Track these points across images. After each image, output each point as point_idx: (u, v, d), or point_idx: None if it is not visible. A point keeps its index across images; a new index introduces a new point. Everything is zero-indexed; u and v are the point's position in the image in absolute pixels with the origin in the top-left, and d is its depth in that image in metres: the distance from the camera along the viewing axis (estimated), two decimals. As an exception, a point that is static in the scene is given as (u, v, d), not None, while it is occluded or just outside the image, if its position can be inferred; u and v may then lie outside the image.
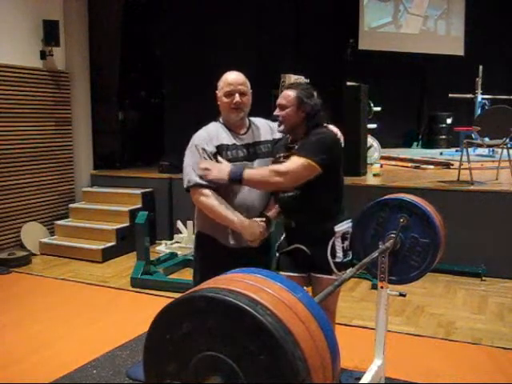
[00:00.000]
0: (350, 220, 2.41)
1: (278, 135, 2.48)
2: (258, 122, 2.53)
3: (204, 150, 2.32)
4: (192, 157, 2.33)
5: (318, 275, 2.35)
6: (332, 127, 2.43)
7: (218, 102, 2.41)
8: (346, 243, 2.36)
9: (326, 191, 2.29)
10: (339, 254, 2.33)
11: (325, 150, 2.22)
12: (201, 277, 2.40)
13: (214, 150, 2.33)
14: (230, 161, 2.31)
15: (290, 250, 2.42)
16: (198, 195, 2.31)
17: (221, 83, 2.40)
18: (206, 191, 2.29)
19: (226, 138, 2.37)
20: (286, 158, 2.30)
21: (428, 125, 10.07)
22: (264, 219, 2.38)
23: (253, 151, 2.41)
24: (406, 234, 2.34)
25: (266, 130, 2.52)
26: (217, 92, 2.41)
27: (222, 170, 2.22)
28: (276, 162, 2.35)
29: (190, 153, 2.35)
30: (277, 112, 2.37)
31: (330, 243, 2.32)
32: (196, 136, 2.39)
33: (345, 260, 2.35)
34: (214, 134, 2.37)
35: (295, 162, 2.18)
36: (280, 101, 2.37)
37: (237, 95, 2.35)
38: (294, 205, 2.33)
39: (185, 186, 2.35)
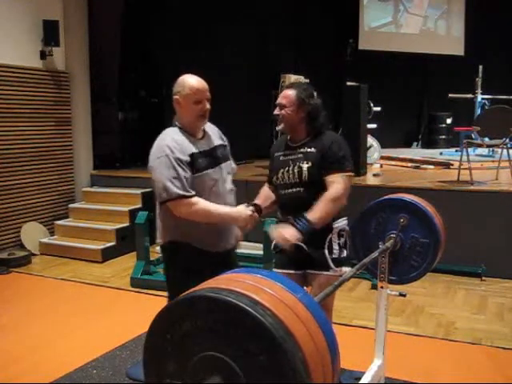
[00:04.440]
0: (346, 217, 2.45)
1: (226, 141, 2.49)
2: (208, 126, 2.46)
3: (179, 159, 2.21)
4: (167, 168, 2.19)
5: (316, 272, 2.37)
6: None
7: (178, 107, 2.31)
8: (342, 240, 2.40)
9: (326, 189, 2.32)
10: (336, 250, 2.37)
11: (349, 155, 2.37)
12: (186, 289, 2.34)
13: (188, 159, 2.24)
14: (203, 169, 2.28)
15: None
16: (185, 206, 2.21)
17: (186, 89, 2.28)
18: (194, 199, 2.21)
19: (191, 146, 2.29)
20: (287, 155, 2.35)
21: (428, 125, 10.07)
22: (252, 206, 2.39)
23: (215, 156, 2.38)
24: (406, 234, 2.34)
25: (216, 134, 2.50)
26: (176, 97, 2.30)
27: (290, 232, 2.19)
28: (288, 165, 2.37)
29: (163, 163, 2.20)
30: (276, 111, 2.39)
31: (328, 239, 2.36)
32: (164, 145, 2.23)
33: (341, 256, 2.39)
34: (181, 141, 2.27)
35: (340, 181, 2.29)
36: (280, 100, 2.38)
37: (206, 103, 2.32)
38: (296, 201, 2.35)
39: (163, 199, 2.22)
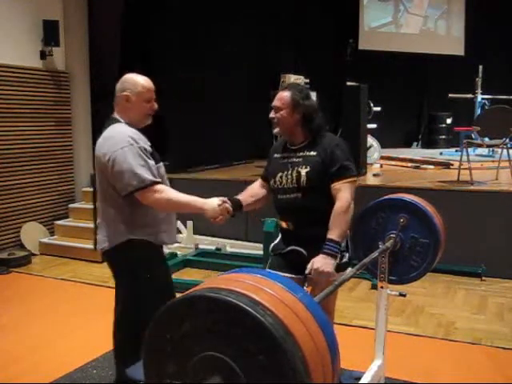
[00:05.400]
0: None
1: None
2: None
3: (144, 149, 2.24)
4: (134, 156, 2.17)
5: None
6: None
7: (127, 104, 2.31)
8: (343, 244, 2.35)
9: (325, 193, 2.28)
10: None
11: (352, 158, 2.34)
12: (153, 286, 2.31)
13: (150, 149, 2.29)
14: (158, 161, 2.33)
15: (286, 252, 2.41)
16: (157, 193, 2.19)
17: (138, 87, 2.31)
18: (160, 186, 2.22)
19: (144, 138, 2.33)
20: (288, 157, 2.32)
21: (428, 125, 10.07)
22: (225, 199, 2.34)
23: (156, 154, 2.39)
24: (406, 233, 2.34)
25: None
26: (126, 94, 2.30)
27: (324, 262, 2.18)
28: (286, 169, 2.34)
29: (129, 153, 2.17)
30: (272, 114, 2.36)
31: None
32: (126, 136, 2.22)
33: (342, 261, 2.34)
34: (139, 133, 2.30)
35: (346, 189, 2.25)
36: (275, 103, 2.35)
37: (154, 102, 2.37)
38: (294, 207, 2.32)
39: (134, 187, 2.17)
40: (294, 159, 2.34)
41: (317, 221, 2.28)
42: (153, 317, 1.13)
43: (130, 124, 2.32)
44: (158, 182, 2.21)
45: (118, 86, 2.36)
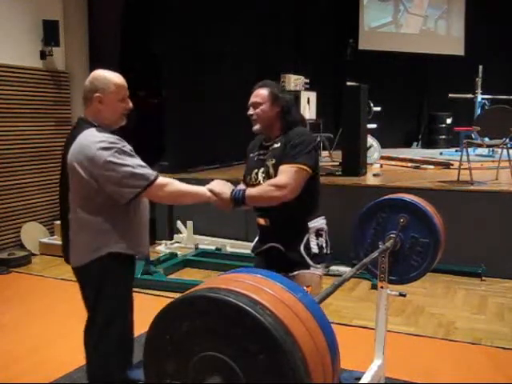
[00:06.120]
0: (323, 216, 2.39)
1: None
2: None
3: (131, 149, 2.12)
4: (129, 157, 2.06)
5: (296, 272, 2.29)
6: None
7: (99, 105, 2.13)
8: (321, 239, 2.34)
9: (303, 188, 2.23)
10: (314, 249, 2.30)
11: (311, 150, 2.24)
12: (125, 303, 2.34)
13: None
14: None
15: (265, 250, 2.39)
16: (166, 186, 2.10)
17: (111, 86, 2.14)
18: (167, 179, 2.12)
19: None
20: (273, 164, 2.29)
21: (428, 125, 10.08)
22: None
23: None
24: (406, 233, 2.34)
25: None
26: (98, 94, 2.12)
27: (224, 188, 2.17)
28: (262, 166, 2.32)
29: (123, 155, 2.05)
30: (251, 111, 2.34)
31: (305, 240, 2.29)
32: (111, 139, 2.07)
33: (322, 253, 2.33)
34: (115, 137, 2.13)
35: (289, 172, 2.17)
36: (252, 99, 2.34)
37: (129, 100, 2.24)
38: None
39: (141, 187, 2.04)
40: (266, 156, 2.34)
41: (293, 215, 2.27)
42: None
43: (102, 127, 2.13)
44: (158, 176, 2.10)
45: (87, 84, 2.15)
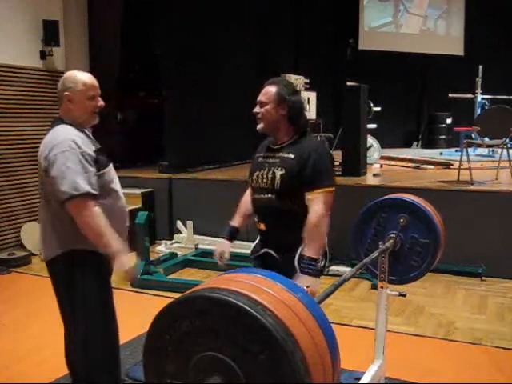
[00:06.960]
0: None
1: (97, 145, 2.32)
2: None
3: (88, 154, 2.10)
4: (74, 162, 2.04)
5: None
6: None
7: (69, 104, 2.17)
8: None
9: (300, 198, 2.20)
10: None
11: (330, 168, 2.27)
12: (102, 301, 2.29)
13: (94, 155, 2.14)
14: (105, 166, 2.20)
15: (261, 255, 2.37)
16: (85, 209, 2.02)
17: (79, 85, 2.16)
18: (96, 208, 2.04)
19: (90, 142, 2.20)
20: (266, 158, 2.29)
21: (428, 125, 10.08)
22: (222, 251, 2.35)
23: (106, 155, 2.28)
24: (406, 233, 2.34)
25: None
26: (67, 93, 2.16)
27: (309, 281, 2.11)
28: (263, 168, 2.27)
29: (70, 158, 2.03)
30: (256, 109, 2.29)
31: (299, 250, 2.21)
32: (69, 139, 2.08)
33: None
34: (83, 136, 2.17)
35: (318, 199, 2.16)
36: (260, 97, 2.28)
37: (99, 99, 2.25)
38: (267, 208, 2.27)
39: (67, 195, 2.00)
40: (271, 159, 2.27)
41: (289, 224, 2.22)
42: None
43: (74, 125, 2.17)
44: (93, 196, 2.05)
45: (59, 84, 2.21)
